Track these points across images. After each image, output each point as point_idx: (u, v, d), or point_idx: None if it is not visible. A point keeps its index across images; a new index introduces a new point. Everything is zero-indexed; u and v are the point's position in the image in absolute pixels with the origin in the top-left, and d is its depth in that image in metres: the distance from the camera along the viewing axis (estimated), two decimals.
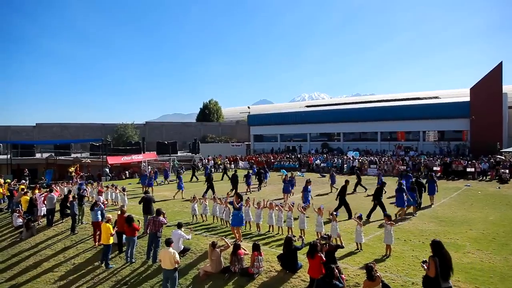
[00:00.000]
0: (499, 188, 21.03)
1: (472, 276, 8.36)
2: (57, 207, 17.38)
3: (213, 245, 10.18)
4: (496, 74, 33.37)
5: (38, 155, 42.37)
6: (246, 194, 20.12)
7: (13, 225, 17.34)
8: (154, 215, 12.21)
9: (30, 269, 13.04)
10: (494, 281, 8.08)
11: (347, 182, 15.64)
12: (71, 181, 27.28)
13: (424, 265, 7.13)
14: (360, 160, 32.12)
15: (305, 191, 16.09)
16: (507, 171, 23.86)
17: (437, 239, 7.26)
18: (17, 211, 17.74)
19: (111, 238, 11.94)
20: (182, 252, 11.17)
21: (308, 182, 16.49)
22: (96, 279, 11.40)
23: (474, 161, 27.11)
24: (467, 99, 35.44)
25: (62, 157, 40.95)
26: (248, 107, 64.64)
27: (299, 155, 39.52)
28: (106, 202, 17.70)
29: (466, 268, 8.87)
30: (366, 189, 20.56)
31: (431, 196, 16.79)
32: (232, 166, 36.02)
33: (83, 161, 36.82)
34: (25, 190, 20.32)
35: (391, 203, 16.08)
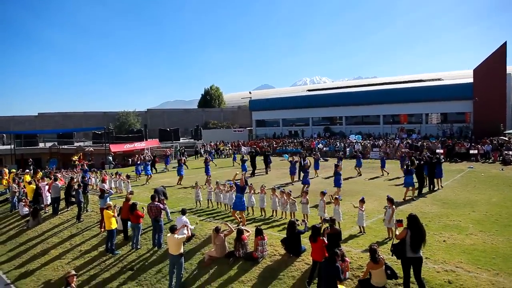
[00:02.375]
0: (502, 169, 21.00)
1: (475, 258, 8.43)
2: (62, 195, 17.55)
3: (217, 230, 10.28)
4: (500, 55, 32.93)
5: (41, 145, 42.63)
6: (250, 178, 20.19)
7: (20, 214, 17.55)
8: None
9: (38, 256, 13.26)
10: (497, 262, 8.14)
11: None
12: (74, 169, 27.45)
13: (396, 224, 8.11)
14: (363, 144, 32.08)
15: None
16: (510, 152, 23.78)
17: (414, 214, 7.72)
18: (23, 200, 17.94)
19: (113, 223, 12.05)
20: (187, 239, 11.29)
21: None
22: (103, 265, 11.59)
23: (478, 142, 27.03)
24: (470, 80, 35.09)
25: (65, 146, 41.18)
26: (250, 92, 64.38)
27: (301, 140, 39.50)
28: (112, 190, 17.75)
29: (469, 250, 8.94)
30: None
31: (438, 179, 16.63)
32: (235, 151, 36.15)
33: (86, 149, 36.99)
34: (30, 180, 20.49)
35: (397, 185, 16.12)
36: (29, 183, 19.54)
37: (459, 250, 8.97)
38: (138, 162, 24.62)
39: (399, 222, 8.04)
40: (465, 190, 16.00)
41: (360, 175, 20.72)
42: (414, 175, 14.96)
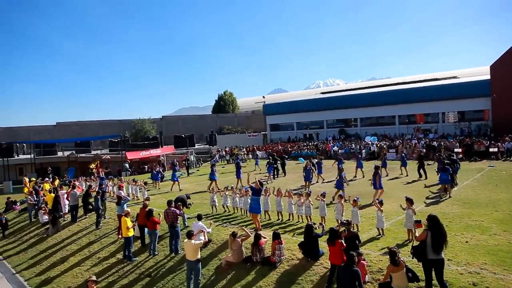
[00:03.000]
0: None
1: (500, 259, 8.16)
2: (80, 203, 17.79)
3: (234, 235, 10.22)
4: None
5: (59, 153, 43.43)
6: (267, 182, 20.15)
7: (40, 222, 17.86)
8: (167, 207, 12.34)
9: (58, 264, 13.44)
10: None
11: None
12: (92, 177, 27.81)
13: (415, 226, 7.92)
14: (379, 145, 31.67)
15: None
16: None
17: (433, 214, 7.48)
18: (43, 208, 18.26)
19: (131, 230, 12.12)
20: (204, 245, 11.26)
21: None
22: (121, 271, 11.66)
23: (498, 139, 26.40)
24: (487, 77, 34.40)
25: (83, 155, 41.84)
26: (263, 97, 64.41)
27: (316, 143, 39.27)
28: (129, 197, 17.86)
29: (493, 251, 8.66)
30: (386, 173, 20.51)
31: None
32: (250, 156, 36.12)
33: (103, 157, 37.50)
34: (50, 188, 20.83)
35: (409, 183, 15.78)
36: (49, 191, 19.87)
37: (483, 251, 8.70)
38: (157, 169, 24.57)
39: (418, 222, 7.87)
40: (486, 189, 15.60)
41: (363, 176, 20.47)
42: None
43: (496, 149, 24.68)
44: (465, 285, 7.19)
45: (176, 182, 21.10)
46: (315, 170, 19.70)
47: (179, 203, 13.06)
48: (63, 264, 13.32)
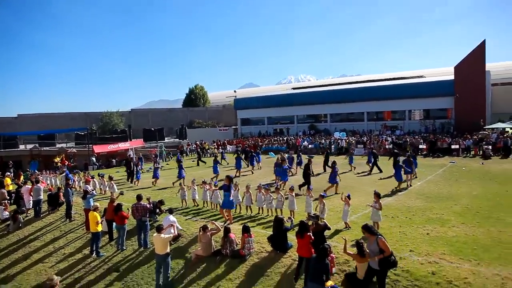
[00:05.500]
0: (482, 163, 21.50)
1: (457, 249, 8.60)
2: (45, 197, 17.21)
3: (204, 228, 10.23)
4: (479, 52, 33.71)
5: (22, 147, 41.73)
6: (235, 177, 20.16)
7: (0, 218, 17.11)
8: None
9: (20, 261, 12.96)
10: (478, 253, 8.33)
11: (309, 161, 16.82)
12: (57, 171, 26.94)
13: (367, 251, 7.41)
14: (348, 141, 32.38)
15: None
16: (490, 147, 24.36)
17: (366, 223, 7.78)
18: (3, 204, 17.49)
19: (99, 225, 11.89)
20: (174, 239, 11.19)
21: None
22: (88, 267, 11.41)
23: (460, 137, 27.63)
24: (452, 77, 35.81)
25: (47, 148, 40.38)
26: (235, 91, 64.31)
27: (286, 138, 39.65)
28: (95, 192, 17.39)
29: (451, 241, 9.12)
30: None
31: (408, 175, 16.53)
32: (220, 150, 36.04)
33: (68, 151, 36.34)
34: (11, 183, 20.01)
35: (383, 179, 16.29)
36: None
37: (442, 242, 9.14)
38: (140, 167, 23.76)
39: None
40: (448, 184, 16.32)
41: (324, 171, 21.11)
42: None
43: (457, 146, 25.80)
44: (425, 274, 7.54)
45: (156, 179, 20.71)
46: (289, 164, 19.79)
47: (148, 197, 12.91)
48: (25, 261, 12.85)
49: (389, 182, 17.04)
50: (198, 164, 28.12)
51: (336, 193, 15.10)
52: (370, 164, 20.96)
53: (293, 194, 12.26)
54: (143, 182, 20.97)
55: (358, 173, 20.32)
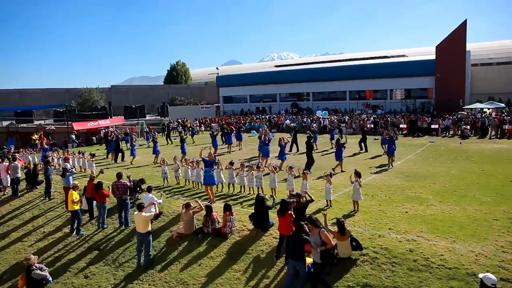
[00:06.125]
0: (460, 143, 22.00)
1: (434, 227, 8.84)
2: (22, 176, 16.82)
3: (186, 206, 10.19)
4: (460, 32, 34.00)
5: None
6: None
7: None
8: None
9: None
10: (453, 230, 8.58)
11: (309, 137, 16.54)
12: (35, 149, 26.28)
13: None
14: (330, 119, 32.55)
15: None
16: (468, 127, 24.92)
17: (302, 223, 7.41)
18: None
19: (77, 204, 11.73)
20: (155, 217, 11.14)
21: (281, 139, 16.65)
22: (68, 246, 11.29)
23: (439, 116, 28.10)
24: (433, 57, 36.10)
25: (24, 125, 39.34)
26: (217, 68, 63.40)
27: (268, 116, 39.59)
28: (74, 170, 17.05)
29: (429, 220, 9.36)
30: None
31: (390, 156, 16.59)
32: (202, 128, 35.76)
33: (47, 128, 35.45)
34: None
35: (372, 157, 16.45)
36: None
37: (420, 220, 9.37)
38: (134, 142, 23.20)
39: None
40: (426, 163, 16.67)
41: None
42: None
43: (437, 126, 26.30)
44: (403, 251, 7.74)
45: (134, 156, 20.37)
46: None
47: (128, 175, 12.72)
48: (3, 240, 12.64)
49: (372, 162, 17.31)
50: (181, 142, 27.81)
51: (342, 171, 15.26)
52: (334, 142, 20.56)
53: (275, 172, 12.22)
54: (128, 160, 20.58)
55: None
